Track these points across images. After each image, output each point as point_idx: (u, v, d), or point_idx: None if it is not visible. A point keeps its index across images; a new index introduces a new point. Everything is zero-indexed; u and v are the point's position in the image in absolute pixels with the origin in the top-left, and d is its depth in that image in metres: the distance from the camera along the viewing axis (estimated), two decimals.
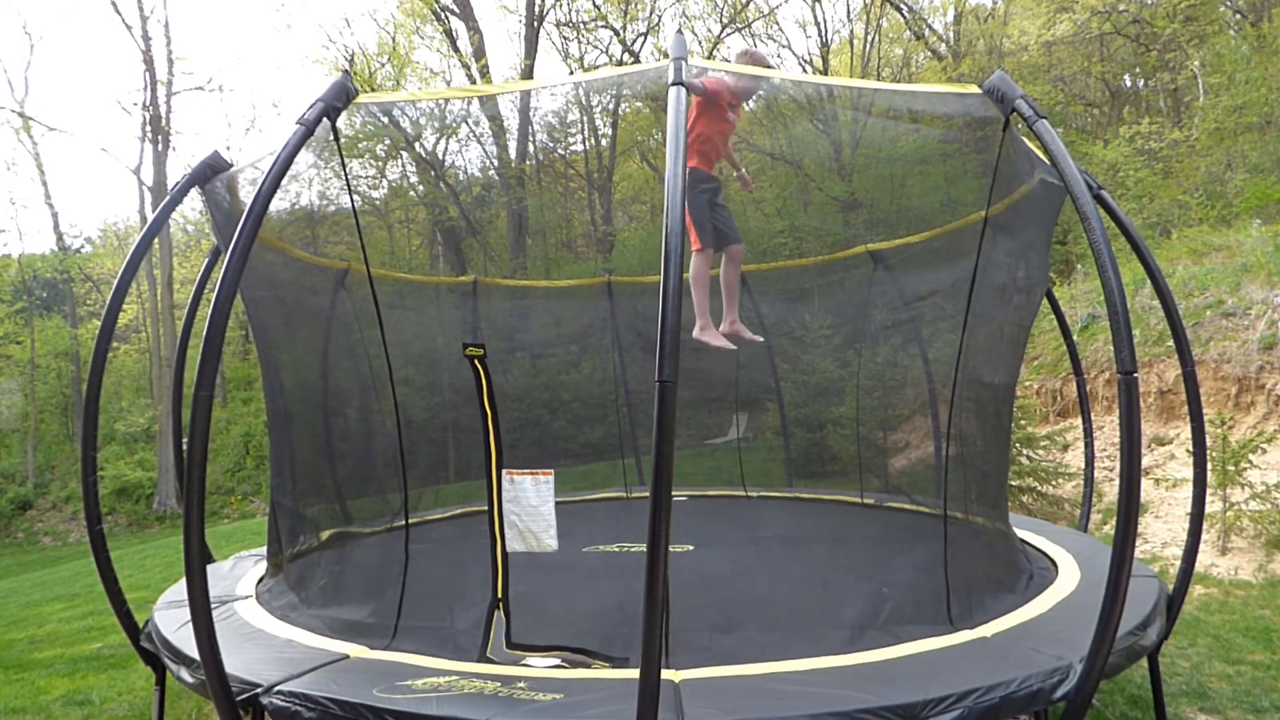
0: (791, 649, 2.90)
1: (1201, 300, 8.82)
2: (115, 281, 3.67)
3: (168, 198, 3.92)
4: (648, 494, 2.13)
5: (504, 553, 3.62)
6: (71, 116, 48.52)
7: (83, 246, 34.91)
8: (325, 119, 2.98)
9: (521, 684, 2.54)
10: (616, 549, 5.20)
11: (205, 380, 2.36)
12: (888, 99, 4.36)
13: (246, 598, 3.97)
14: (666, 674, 2.52)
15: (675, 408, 2.12)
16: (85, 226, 50.20)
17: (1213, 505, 6.40)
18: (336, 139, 3.37)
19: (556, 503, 3.58)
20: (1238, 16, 17.79)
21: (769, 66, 4.49)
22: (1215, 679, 4.00)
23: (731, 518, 6.73)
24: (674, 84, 2.67)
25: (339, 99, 3.03)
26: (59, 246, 28.75)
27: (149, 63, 22.61)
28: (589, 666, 3.09)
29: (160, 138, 22.91)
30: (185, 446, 2.55)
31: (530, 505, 3.55)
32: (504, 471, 3.59)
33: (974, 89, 3.37)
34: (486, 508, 3.64)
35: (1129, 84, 21.04)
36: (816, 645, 2.93)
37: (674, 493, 2.15)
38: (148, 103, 22.80)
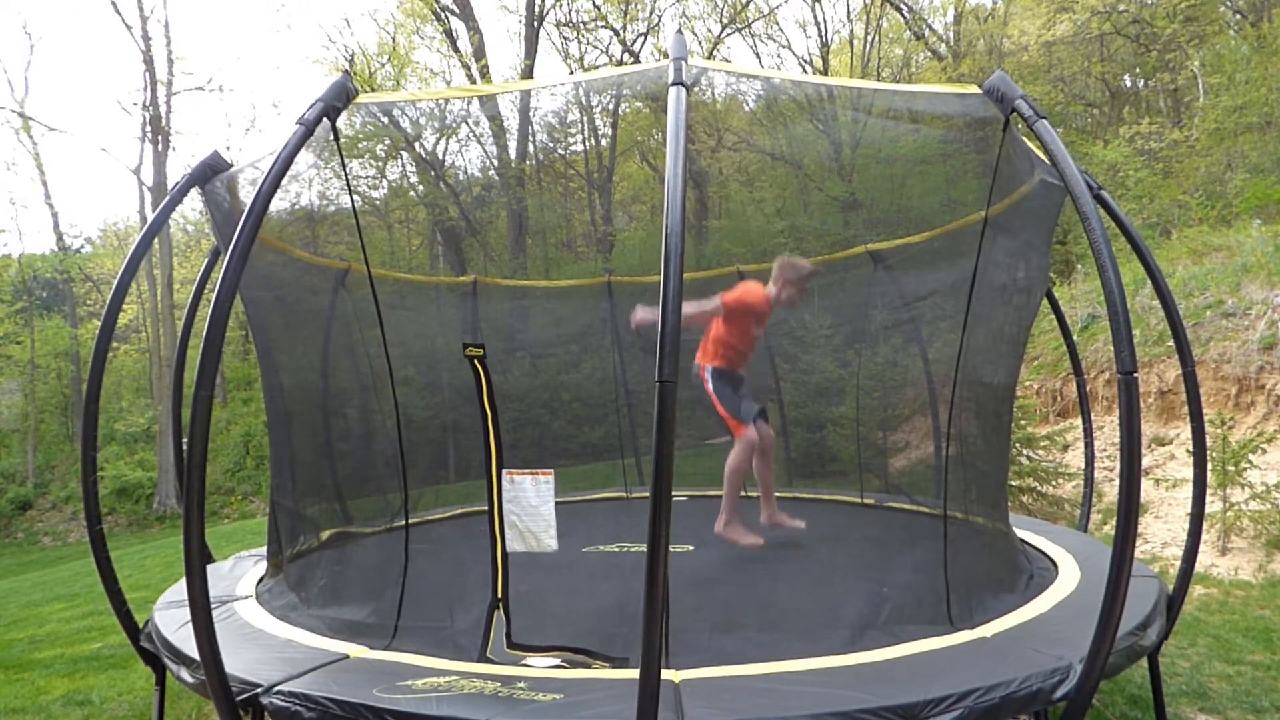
0: (791, 649, 2.90)
1: (1201, 300, 8.82)
2: (115, 282, 3.67)
3: (167, 198, 3.91)
4: (648, 494, 2.13)
5: (504, 553, 3.62)
6: (71, 116, 48.71)
7: (83, 246, 34.96)
8: (325, 119, 2.98)
9: (521, 684, 2.54)
10: (616, 549, 5.20)
11: (205, 380, 2.36)
12: (887, 99, 4.35)
13: (246, 598, 3.97)
14: (666, 674, 2.52)
15: (675, 408, 2.12)
16: (85, 226, 50.33)
17: (1213, 505, 6.40)
18: (336, 139, 3.37)
19: (556, 503, 3.58)
20: (1238, 16, 17.78)
21: (811, 272, 4.64)
22: (1215, 679, 4.01)
23: None
24: (674, 84, 2.67)
25: (339, 99, 3.02)
26: (59, 246, 28.78)
27: (149, 63, 22.63)
28: (589, 666, 3.09)
29: (160, 138, 22.93)
30: (185, 446, 2.55)
31: (530, 505, 3.55)
32: (504, 471, 3.59)
33: (974, 89, 3.37)
34: (486, 508, 3.64)
35: (1129, 84, 21.04)
36: (816, 645, 2.92)
37: (674, 493, 2.15)
38: (148, 103, 22.83)
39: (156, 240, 18.03)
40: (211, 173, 3.80)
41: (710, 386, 4.61)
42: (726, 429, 4.70)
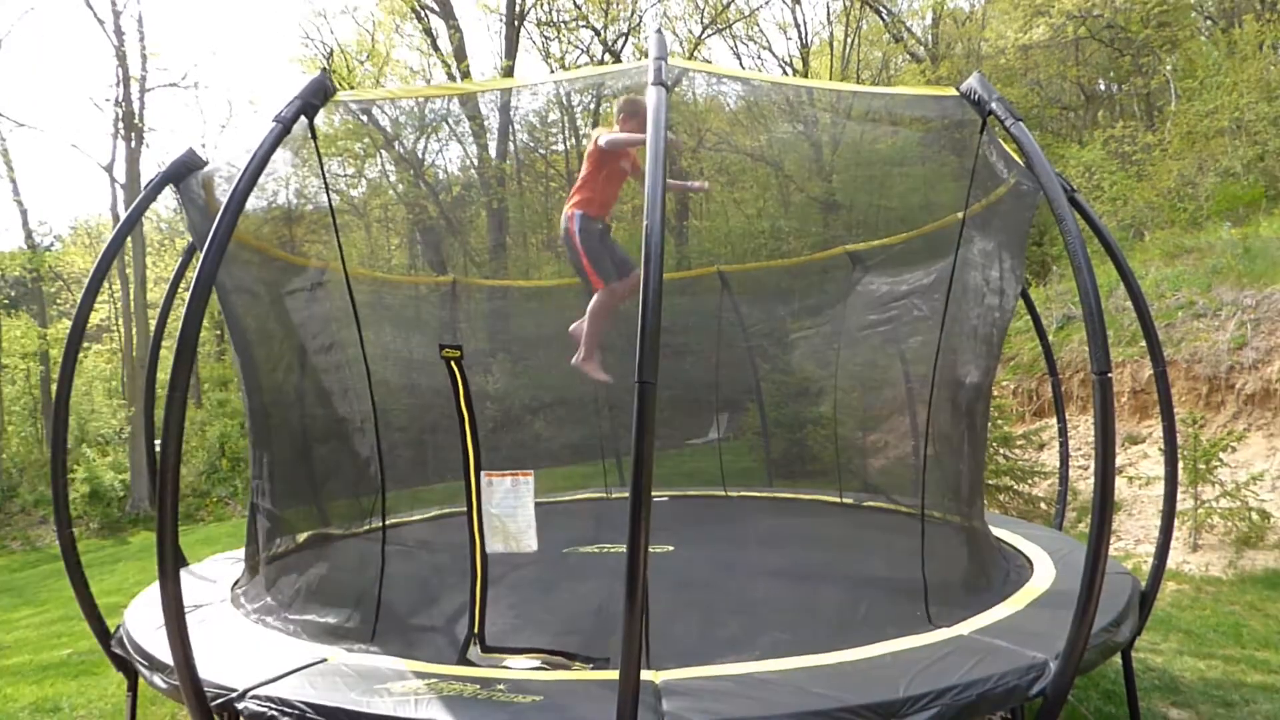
0: (772, 648, 2.91)
1: (1174, 301, 8.97)
2: (86, 282, 3.60)
3: (140, 195, 3.85)
4: (628, 494, 2.13)
5: (483, 554, 3.59)
6: (41, 112, 47.57)
7: (53, 244, 34.24)
8: (303, 116, 2.94)
9: (501, 686, 2.52)
10: (596, 550, 5.19)
11: (179, 381, 2.33)
12: (866, 102, 4.38)
13: (222, 601, 3.91)
14: (647, 674, 2.51)
15: (655, 408, 2.12)
16: (56, 224, 49.19)
17: (1184, 503, 6.50)
18: (314, 137, 3.33)
19: (536, 503, 3.56)
20: (1209, 22, 18.09)
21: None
22: (1187, 673, 4.07)
23: (712, 518, 6.73)
24: (654, 84, 2.67)
25: (317, 96, 2.99)
26: (28, 244, 28.15)
27: (122, 58, 22.21)
28: (569, 668, 3.08)
29: (133, 134, 22.51)
30: (158, 448, 2.51)
31: (509, 506, 3.52)
32: (483, 473, 3.56)
33: (951, 91, 3.39)
34: (465, 509, 3.61)
35: (1104, 88, 21.34)
36: (797, 644, 2.93)
37: (654, 493, 2.15)
38: (120, 99, 22.41)
39: (129, 238, 17.74)
40: (186, 170, 3.75)
41: (578, 238, 4.37)
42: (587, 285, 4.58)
